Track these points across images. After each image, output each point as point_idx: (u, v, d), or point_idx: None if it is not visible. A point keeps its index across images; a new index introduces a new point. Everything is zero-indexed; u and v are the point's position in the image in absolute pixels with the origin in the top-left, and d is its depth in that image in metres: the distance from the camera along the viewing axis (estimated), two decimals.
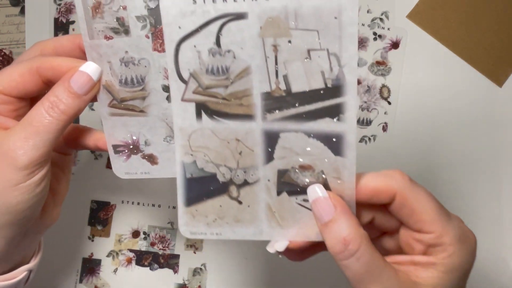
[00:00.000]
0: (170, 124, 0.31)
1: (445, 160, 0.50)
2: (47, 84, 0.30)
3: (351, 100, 0.27)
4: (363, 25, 0.50)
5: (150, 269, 0.49)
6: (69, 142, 0.33)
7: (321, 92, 0.27)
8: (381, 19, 0.51)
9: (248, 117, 0.29)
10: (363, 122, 0.50)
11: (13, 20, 0.49)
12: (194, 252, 0.49)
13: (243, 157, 0.30)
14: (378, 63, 0.51)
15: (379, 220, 0.30)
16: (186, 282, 0.48)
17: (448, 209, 0.29)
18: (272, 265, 0.49)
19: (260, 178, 0.30)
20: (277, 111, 0.28)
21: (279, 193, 0.30)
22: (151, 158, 0.33)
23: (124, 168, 0.33)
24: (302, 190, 0.30)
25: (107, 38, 0.29)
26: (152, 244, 0.49)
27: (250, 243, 0.49)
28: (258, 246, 0.49)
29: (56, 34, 0.50)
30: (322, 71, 0.27)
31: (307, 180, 0.29)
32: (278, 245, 0.31)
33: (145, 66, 0.30)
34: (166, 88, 0.31)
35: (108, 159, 0.52)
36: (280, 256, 0.31)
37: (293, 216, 0.30)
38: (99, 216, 0.50)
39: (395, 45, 0.51)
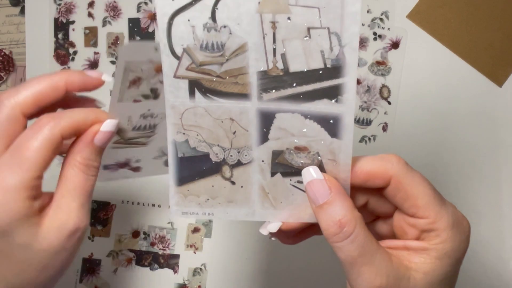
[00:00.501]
0: (165, 149, 0.33)
1: (445, 160, 0.50)
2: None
3: (350, 81, 0.26)
4: (363, 25, 0.50)
5: (150, 269, 0.49)
6: None
7: (320, 72, 0.26)
8: (381, 19, 0.51)
9: (243, 96, 0.28)
10: (363, 122, 0.51)
11: (13, 20, 0.50)
12: (194, 252, 0.49)
13: (237, 137, 0.29)
14: (378, 63, 0.51)
15: (373, 204, 0.30)
16: (186, 282, 0.49)
17: None
18: (272, 265, 0.50)
19: (254, 159, 0.30)
20: (273, 90, 0.28)
21: (273, 174, 0.30)
22: (135, 169, 0.34)
23: (107, 176, 0.34)
24: (297, 172, 0.29)
25: (136, 101, 0.30)
26: (152, 244, 0.49)
27: (250, 244, 0.50)
28: (258, 246, 0.50)
29: (56, 34, 0.50)
30: (321, 51, 0.26)
31: (302, 161, 0.29)
32: (270, 226, 0.31)
33: (161, 118, 0.32)
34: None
35: None
36: (272, 238, 0.31)
37: (286, 197, 0.30)
38: (99, 216, 0.50)
39: (395, 45, 0.51)
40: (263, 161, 0.30)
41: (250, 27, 0.26)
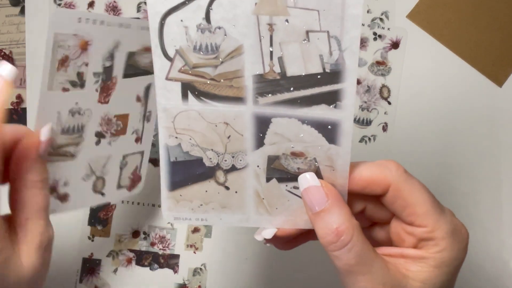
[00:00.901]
0: (91, 163, 0.34)
1: (445, 160, 0.50)
2: None
3: (350, 87, 0.25)
4: (363, 25, 0.50)
5: (150, 269, 0.49)
6: None
7: (318, 77, 0.26)
8: (381, 19, 0.50)
9: (238, 100, 0.27)
10: (363, 122, 0.50)
11: (13, 20, 0.50)
12: (194, 252, 0.49)
13: (232, 142, 0.28)
14: (378, 63, 0.50)
15: (370, 211, 0.30)
16: (186, 282, 0.49)
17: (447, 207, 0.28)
18: (272, 265, 0.50)
19: (249, 164, 0.29)
20: (269, 95, 0.27)
21: (268, 179, 0.29)
22: (63, 197, 0.32)
23: None
24: (293, 177, 0.29)
25: (64, 90, 0.29)
26: (152, 244, 0.49)
27: (250, 244, 0.50)
28: (259, 246, 0.49)
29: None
30: (320, 55, 0.25)
31: (299, 167, 0.28)
32: (265, 232, 0.30)
33: (88, 116, 0.32)
34: (98, 134, 0.33)
35: None
36: (267, 244, 0.31)
37: (282, 203, 0.29)
38: (99, 216, 0.49)
39: (395, 45, 0.51)
40: (258, 166, 0.29)
41: (246, 29, 0.25)
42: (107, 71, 0.32)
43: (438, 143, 0.50)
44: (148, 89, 0.36)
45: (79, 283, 0.48)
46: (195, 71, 0.27)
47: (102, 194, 0.36)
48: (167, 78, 0.27)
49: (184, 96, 0.28)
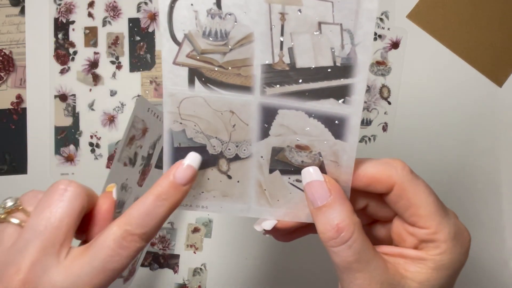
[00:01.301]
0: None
1: (445, 159, 0.50)
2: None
3: (361, 82, 0.25)
4: None
5: (150, 269, 0.50)
6: None
7: (329, 70, 0.25)
8: (381, 19, 0.51)
9: (246, 88, 0.27)
10: (363, 122, 0.51)
11: (13, 20, 0.50)
12: (194, 252, 0.50)
13: (237, 131, 0.28)
14: (378, 63, 0.51)
15: (372, 208, 0.30)
16: (186, 282, 0.50)
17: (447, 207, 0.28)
18: (272, 265, 0.50)
19: (252, 154, 0.29)
20: (277, 85, 0.26)
21: (271, 171, 0.29)
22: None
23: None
24: (296, 170, 0.28)
25: (125, 165, 0.34)
26: (152, 244, 0.50)
27: (250, 244, 0.50)
28: (258, 246, 0.50)
29: (56, 34, 0.50)
30: (332, 48, 0.24)
31: (303, 160, 0.28)
32: (265, 223, 0.30)
33: (129, 194, 0.35)
34: None
35: (108, 158, 0.53)
36: (266, 235, 0.30)
37: (283, 195, 0.29)
38: None
39: (395, 45, 0.51)
40: (262, 157, 0.29)
41: (258, 17, 0.25)
42: (148, 158, 0.36)
43: (437, 143, 0.50)
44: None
45: None
46: (203, 57, 0.26)
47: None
48: (174, 63, 0.27)
49: (191, 82, 0.27)
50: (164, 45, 0.26)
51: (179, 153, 0.29)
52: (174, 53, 0.26)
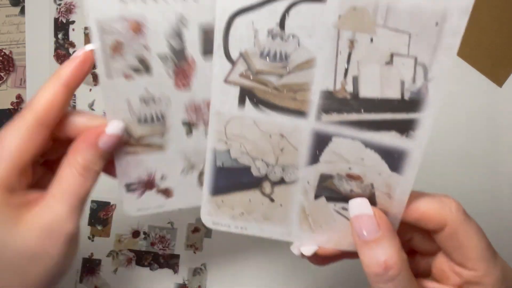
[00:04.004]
0: (188, 156, 0.31)
1: (445, 159, 0.50)
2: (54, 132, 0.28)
3: (428, 118, 0.24)
4: None
5: (150, 269, 0.50)
6: None
7: (395, 103, 0.24)
8: None
9: (300, 113, 0.26)
10: None
11: (13, 20, 0.50)
12: (194, 252, 0.50)
13: (284, 154, 0.27)
14: None
15: (417, 241, 0.29)
16: (186, 282, 0.50)
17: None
18: (272, 265, 0.50)
19: (299, 179, 0.28)
20: (335, 113, 0.25)
21: (317, 196, 0.28)
22: (166, 191, 0.32)
23: (137, 205, 0.32)
24: (343, 198, 0.28)
25: (127, 77, 0.28)
26: (152, 244, 0.50)
27: (250, 244, 0.50)
28: (258, 246, 0.50)
29: (56, 34, 0.50)
30: (402, 80, 0.23)
31: (352, 189, 0.27)
32: (305, 249, 0.30)
33: (165, 104, 0.29)
34: (185, 124, 0.30)
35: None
36: (302, 257, 0.30)
37: (327, 222, 0.29)
38: (99, 216, 0.50)
39: None
40: (308, 182, 0.28)
41: (324, 42, 0.23)
42: (178, 51, 0.29)
43: (437, 142, 0.50)
44: None
45: (79, 283, 0.50)
46: (257, 78, 0.25)
47: None
48: (225, 81, 0.26)
49: (241, 101, 0.26)
50: (215, 62, 0.25)
51: (222, 173, 0.29)
52: (227, 71, 0.25)
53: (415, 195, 0.27)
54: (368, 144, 0.26)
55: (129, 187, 0.31)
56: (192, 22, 0.28)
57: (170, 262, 0.50)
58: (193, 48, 0.28)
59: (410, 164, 0.26)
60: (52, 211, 0.27)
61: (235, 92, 0.26)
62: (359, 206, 0.27)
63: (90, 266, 0.50)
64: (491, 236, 0.28)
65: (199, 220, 0.50)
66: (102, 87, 0.28)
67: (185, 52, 0.28)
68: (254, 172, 0.29)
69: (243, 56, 0.25)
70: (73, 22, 0.51)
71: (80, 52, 0.28)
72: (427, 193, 0.28)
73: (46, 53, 0.50)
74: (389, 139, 0.25)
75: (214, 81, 0.26)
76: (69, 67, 0.27)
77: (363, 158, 0.27)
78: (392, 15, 0.22)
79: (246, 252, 0.50)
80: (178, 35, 0.28)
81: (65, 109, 0.28)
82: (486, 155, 0.51)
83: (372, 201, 0.28)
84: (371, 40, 0.23)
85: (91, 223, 0.50)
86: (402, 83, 0.24)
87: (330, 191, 0.28)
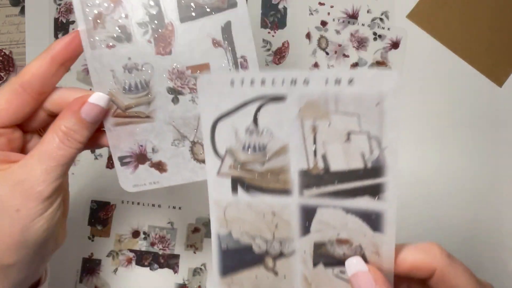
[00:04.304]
0: (178, 126, 0.32)
1: (445, 159, 0.51)
2: (38, 101, 0.31)
3: (392, 180, 0.28)
4: (363, 25, 0.52)
5: (150, 269, 0.50)
6: None
7: (361, 172, 0.28)
8: (381, 19, 0.52)
9: (285, 192, 0.30)
10: None
11: (13, 20, 0.51)
12: (194, 252, 0.51)
13: (279, 229, 0.31)
14: (378, 63, 0.52)
15: None
16: (186, 282, 0.50)
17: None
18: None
19: (296, 250, 0.31)
20: (314, 187, 0.30)
21: (315, 264, 0.32)
22: (159, 165, 0.33)
23: (132, 180, 0.33)
24: (340, 262, 0.31)
25: (109, 47, 0.30)
26: (152, 244, 0.50)
27: None
28: None
29: (56, 34, 0.51)
30: (362, 152, 0.28)
31: (344, 253, 0.31)
32: None
33: (149, 71, 0.31)
34: (171, 91, 0.32)
35: (108, 159, 0.53)
36: None
37: (329, 287, 0.32)
38: (99, 216, 0.51)
39: (395, 45, 0.52)
40: (305, 252, 0.31)
41: (291, 131, 0.28)
42: (156, 19, 0.30)
43: (437, 143, 0.50)
44: (227, 29, 0.32)
45: (79, 283, 0.50)
46: (244, 167, 0.30)
47: None
48: (218, 174, 0.30)
49: (234, 189, 0.31)
50: (208, 161, 0.30)
51: (227, 255, 0.32)
52: (218, 166, 0.30)
53: (400, 248, 0.30)
54: (348, 210, 0.30)
55: (122, 161, 0.32)
56: None
57: (170, 262, 0.50)
58: (171, 14, 0.30)
59: (388, 222, 0.29)
60: (26, 169, 0.28)
61: (227, 182, 0.31)
62: (354, 265, 0.30)
63: (90, 266, 0.50)
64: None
65: (199, 220, 0.51)
66: (87, 60, 0.30)
67: (164, 18, 0.30)
68: (256, 250, 0.32)
69: (228, 152, 0.30)
70: (73, 22, 0.52)
71: (70, 34, 0.30)
72: (410, 244, 0.31)
73: None
74: (364, 203, 0.29)
75: (209, 176, 0.31)
76: (59, 43, 0.30)
77: (347, 223, 0.30)
78: (340, 103, 0.27)
79: None
80: (156, 2, 0.30)
81: (54, 81, 0.31)
82: (486, 154, 0.51)
83: (364, 260, 0.31)
84: (329, 124, 0.28)
85: (91, 223, 0.50)
86: (363, 155, 0.28)
87: (326, 257, 0.32)
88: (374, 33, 0.52)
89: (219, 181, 0.31)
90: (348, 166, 0.29)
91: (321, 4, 0.53)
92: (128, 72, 0.31)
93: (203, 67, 0.32)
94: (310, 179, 0.30)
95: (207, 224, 0.52)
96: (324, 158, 0.29)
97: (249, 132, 0.29)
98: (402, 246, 0.31)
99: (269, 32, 0.53)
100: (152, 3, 0.30)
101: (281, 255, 0.32)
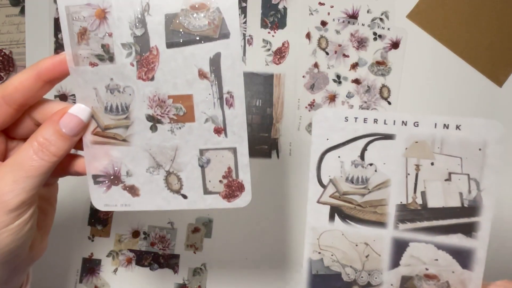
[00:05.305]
0: (154, 154, 0.32)
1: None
2: (20, 112, 0.31)
3: (486, 221, 0.31)
4: (363, 25, 0.54)
5: (150, 269, 0.51)
6: (54, 173, 0.33)
7: (457, 210, 0.31)
8: (381, 19, 0.53)
9: (380, 224, 0.33)
10: None
11: (13, 20, 0.51)
12: (194, 252, 0.51)
13: (369, 260, 0.34)
14: (378, 63, 0.53)
15: None
16: (186, 282, 0.50)
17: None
18: (272, 265, 0.51)
19: (383, 282, 0.34)
20: (409, 222, 0.32)
21: None
22: (132, 189, 0.32)
23: (104, 199, 0.33)
24: None
25: (92, 64, 0.29)
26: (152, 244, 0.51)
27: (250, 244, 0.51)
28: (258, 246, 0.51)
29: (56, 34, 0.52)
30: (460, 192, 0.31)
31: None
32: None
33: (130, 94, 0.30)
34: (150, 118, 0.31)
35: None
36: None
37: None
38: (99, 216, 0.52)
39: (395, 45, 0.53)
40: (392, 284, 0.34)
41: (395, 167, 0.32)
42: (141, 41, 0.29)
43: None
44: (215, 61, 0.30)
45: (79, 283, 0.50)
46: (344, 198, 0.33)
47: (184, 196, 0.33)
48: (318, 202, 0.34)
49: (331, 217, 0.34)
50: (310, 188, 0.33)
51: (317, 280, 0.35)
52: (319, 194, 0.33)
53: (485, 286, 0.33)
54: (440, 246, 0.33)
55: (96, 179, 0.32)
56: (157, 11, 0.29)
57: (170, 262, 0.50)
58: (157, 38, 0.29)
59: (478, 261, 0.32)
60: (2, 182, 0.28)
61: (326, 210, 0.34)
62: None
63: (90, 266, 0.50)
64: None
65: (199, 220, 0.51)
66: (71, 74, 0.30)
67: (149, 41, 0.29)
68: (345, 278, 0.35)
69: (332, 181, 0.33)
70: None
71: (61, 54, 0.30)
72: (493, 283, 0.33)
73: (46, 53, 0.52)
74: (457, 240, 0.32)
75: (309, 202, 0.34)
76: (47, 61, 0.30)
77: (437, 259, 0.33)
78: (446, 145, 0.31)
79: (246, 252, 0.50)
80: (142, 23, 0.29)
81: (38, 95, 0.31)
82: None
83: None
84: (432, 163, 0.31)
85: (91, 223, 0.50)
86: (461, 194, 0.31)
87: None
88: (374, 33, 0.53)
89: (318, 208, 0.34)
90: (445, 203, 0.32)
91: (321, 4, 0.53)
92: (110, 92, 0.30)
93: (186, 98, 0.31)
94: (407, 213, 0.33)
95: (207, 224, 0.52)
96: (423, 194, 0.32)
97: (355, 165, 0.33)
98: (487, 284, 0.33)
99: (269, 32, 0.53)
100: (138, 24, 0.29)
101: (368, 285, 0.34)
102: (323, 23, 0.54)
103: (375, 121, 0.32)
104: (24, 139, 0.31)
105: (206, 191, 0.33)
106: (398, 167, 0.32)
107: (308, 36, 0.54)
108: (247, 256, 0.51)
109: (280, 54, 0.54)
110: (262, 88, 0.53)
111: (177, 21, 0.29)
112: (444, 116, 0.30)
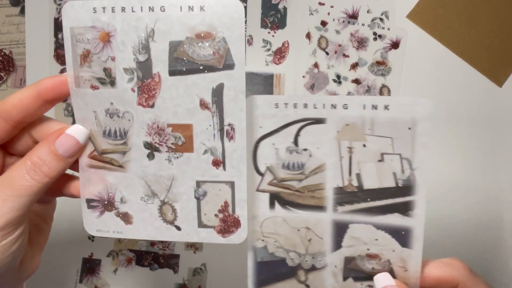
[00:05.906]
0: (149, 183, 0.32)
1: (444, 159, 0.52)
2: (17, 128, 0.31)
3: (421, 199, 0.31)
4: (363, 25, 0.54)
5: (150, 269, 0.52)
6: (48, 192, 0.33)
7: (392, 190, 0.32)
8: (381, 19, 0.54)
9: (320, 208, 0.33)
10: None
11: (13, 20, 0.52)
12: (194, 252, 0.52)
13: (312, 244, 0.34)
14: (378, 63, 0.54)
15: None
16: (186, 282, 0.51)
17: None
18: None
19: (327, 264, 0.34)
20: (347, 204, 0.33)
21: (345, 278, 0.34)
22: (125, 217, 0.32)
23: (96, 224, 0.33)
24: (368, 277, 0.34)
25: (93, 87, 0.30)
26: (152, 244, 0.51)
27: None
28: None
29: (56, 34, 0.52)
30: (394, 172, 0.31)
31: (373, 267, 0.33)
32: None
33: (129, 120, 0.30)
34: (147, 145, 0.31)
35: None
36: None
37: None
38: None
39: (395, 45, 0.54)
40: (335, 266, 0.34)
41: (329, 151, 0.32)
42: (144, 67, 0.29)
43: (437, 143, 0.52)
44: (218, 92, 0.30)
45: (79, 283, 0.51)
46: (282, 184, 0.33)
47: (178, 228, 0.33)
48: (257, 190, 0.34)
49: (272, 204, 0.34)
50: (248, 176, 0.33)
51: (262, 267, 0.35)
52: (257, 182, 0.33)
53: (426, 263, 0.33)
54: (378, 226, 0.33)
55: (89, 203, 0.33)
56: (161, 37, 0.28)
57: (170, 262, 0.51)
58: (160, 65, 0.29)
59: (416, 238, 0.32)
60: None
61: (265, 198, 0.34)
62: (382, 280, 0.33)
63: (90, 266, 0.51)
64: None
65: None
66: (72, 96, 0.30)
67: (152, 68, 0.29)
68: (289, 263, 0.35)
69: (269, 169, 0.33)
70: None
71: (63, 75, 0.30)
72: (434, 260, 0.34)
73: (46, 53, 0.52)
74: (394, 220, 0.32)
75: (249, 191, 0.34)
76: (48, 81, 0.30)
77: (377, 238, 0.33)
78: (376, 126, 0.31)
79: (246, 252, 0.51)
80: (146, 49, 0.28)
81: (37, 114, 0.31)
82: (486, 154, 0.53)
83: (392, 275, 0.34)
84: (364, 145, 0.31)
85: None
86: (394, 175, 0.32)
87: (356, 271, 0.34)
88: (374, 33, 0.53)
89: (258, 196, 0.34)
90: (380, 184, 0.32)
91: (321, 4, 0.54)
92: (110, 116, 0.30)
93: (185, 128, 0.31)
94: (344, 196, 0.33)
95: None
96: (358, 176, 0.32)
97: (289, 151, 0.33)
98: (427, 261, 0.34)
99: (269, 32, 0.54)
100: (142, 49, 0.29)
101: (313, 268, 0.35)
102: (323, 23, 0.54)
103: (305, 105, 0.31)
104: (23, 155, 0.31)
105: (201, 224, 0.33)
106: (331, 151, 0.32)
107: (308, 36, 0.54)
108: (247, 256, 0.52)
109: (280, 54, 0.54)
110: (262, 88, 0.53)
111: (181, 49, 0.29)
112: (372, 96, 0.30)
